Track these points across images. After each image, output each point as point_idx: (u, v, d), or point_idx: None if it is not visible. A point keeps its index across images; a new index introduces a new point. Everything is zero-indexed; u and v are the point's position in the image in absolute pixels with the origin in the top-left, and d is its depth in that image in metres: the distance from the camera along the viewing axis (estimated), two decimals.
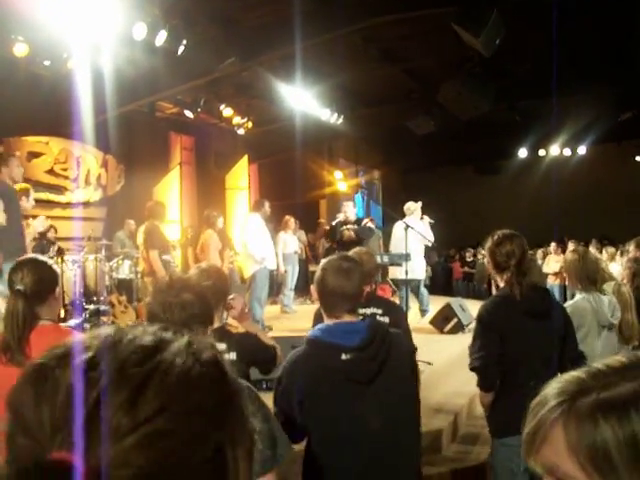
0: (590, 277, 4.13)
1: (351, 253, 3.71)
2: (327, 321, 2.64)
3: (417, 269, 9.17)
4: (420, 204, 9.62)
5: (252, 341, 3.09)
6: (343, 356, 2.47)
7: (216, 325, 2.89)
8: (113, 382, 0.60)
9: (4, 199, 6.03)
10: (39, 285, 2.67)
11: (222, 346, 2.86)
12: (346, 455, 2.49)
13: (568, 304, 4.24)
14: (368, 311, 3.71)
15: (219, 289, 2.93)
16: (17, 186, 6.69)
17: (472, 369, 3.23)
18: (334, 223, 9.59)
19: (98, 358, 0.62)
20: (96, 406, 0.58)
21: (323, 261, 2.73)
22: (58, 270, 3.13)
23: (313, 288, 2.79)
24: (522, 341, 3.18)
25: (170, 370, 0.63)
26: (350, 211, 9.67)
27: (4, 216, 5.82)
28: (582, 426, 0.77)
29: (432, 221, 9.65)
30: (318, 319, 3.70)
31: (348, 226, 9.40)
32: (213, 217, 9.24)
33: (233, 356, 2.86)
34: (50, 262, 2.97)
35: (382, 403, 2.51)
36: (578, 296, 4.14)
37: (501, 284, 3.35)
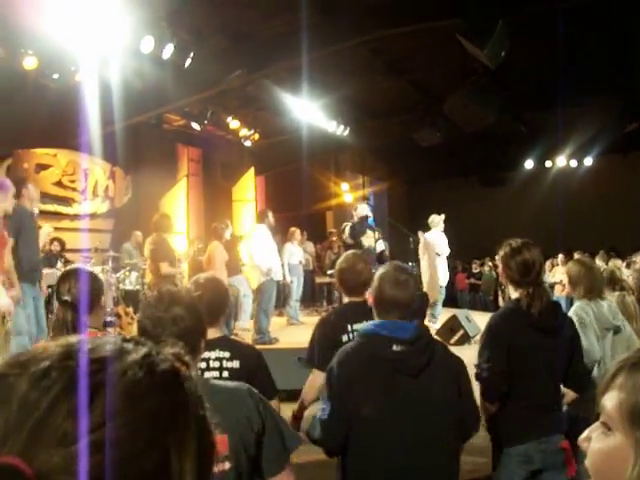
0: (594, 287, 4.13)
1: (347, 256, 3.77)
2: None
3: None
4: (443, 217, 10.26)
5: (258, 357, 3.09)
6: (394, 347, 2.60)
7: (218, 335, 2.93)
8: (64, 390, 0.61)
9: (22, 223, 6.10)
10: (85, 295, 2.77)
11: (226, 354, 2.88)
12: (386, 443, 2.57)
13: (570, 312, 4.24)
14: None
15: (214, 300, 2.93)
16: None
17: (477, 379, 3.22)
18: (352, 223, 9.49)
19: (54, 367, 0.63)
20: (47, 413, 0.59)
21: (380, 270, 2.84)
22: (103, 280, 3.22)
23: (369, 293, 2.90)
24: (530, 355, 3.16)
25: (121, 381, 0.64)
26: (364, 210, 9.59)
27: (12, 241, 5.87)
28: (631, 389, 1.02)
29: None
30: (321, 326, 3.78)
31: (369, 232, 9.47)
32: (220, 229, 9.26)
33: (236, 364, 2.89)
34: (95, 272, 3.10)
35: (425, 399, 2.61)
36: (577, 304, 4.14)
37: (514, 295, 3.30)
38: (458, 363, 2.81)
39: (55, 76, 8.84)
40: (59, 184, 11.75)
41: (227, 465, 1.91)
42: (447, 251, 10.31)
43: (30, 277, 6.09)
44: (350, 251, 4.07)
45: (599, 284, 4.20)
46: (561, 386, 3.32)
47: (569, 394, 3.35)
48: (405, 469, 2.57)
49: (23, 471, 0.56)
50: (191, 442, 0.67)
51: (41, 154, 11.50)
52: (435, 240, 10.10)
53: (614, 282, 4.84)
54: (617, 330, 4.16)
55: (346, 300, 3.77)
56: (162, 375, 0.68)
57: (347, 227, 9.24)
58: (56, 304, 2.83)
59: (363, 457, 2.62)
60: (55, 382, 0.61)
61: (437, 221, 10.23)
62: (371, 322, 2.77)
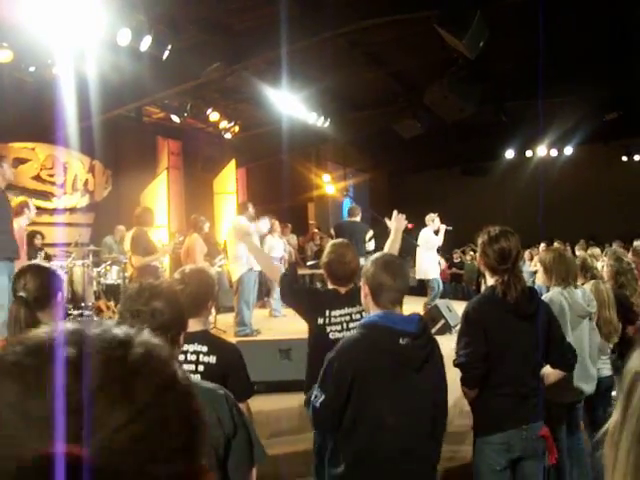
0: (566, 274, 4.16)
1: (335, 246, 3.77)
2: (376, 311, 2.78)
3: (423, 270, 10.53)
4: (436, 214, 10.65)
5: (235, 355, 3.02)
6: (401, 340, 2.62)
7: (199, 328, 2.91)
8: (102, 377, 0.61)
9: None
10: (41, 291, 2.73)
11: (203, 348, 2.86)
12: (386, 435, 2.62)
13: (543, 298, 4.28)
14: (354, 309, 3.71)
15: (198, 292, 2.92)
16: (15, 200, 6.71)
17: (456, 365, 3.24)
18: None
19: (80, 353, 0.63)
20: (86, 401, 0.59)
21: (374, 256, 2.89)
22: (62, 276, 3.16)
23: (362, 282, 2.86)
24: (506, 341, 3.18)
25: (151, 363, 0.66)
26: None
27: None
28: None
29: (450, 228, 10.72)
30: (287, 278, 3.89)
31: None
32: (200, 222, 9.23)
33: (213, 359, 2.86)
34: (53, 269, 3.03)
35: (424, 391, 2.68)
36: (551, 291, 4.17)
37: (490, 282, 3.33)
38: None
39: (31, 69, 8.76)
40: (38, 178, 11.64)
41: None
42: (438, 244, 10.68)
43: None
44: (337, 240, 4.06)
45: (572, 272, 4.23)
46: (540, 372, 3.34)
47: (548, 378, 3.37)
48: (399, 457, 2.62)
49: (83, 459, 0.57)
50: (204, 423, 0.71)
51: (19, 148, 11.39)
52: (429, 236, 10.44)
53: (585, 270, 4.90)
54: (591, 317, 4.20)
55: (331, 287, 3.77)
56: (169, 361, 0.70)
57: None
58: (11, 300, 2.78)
59: (362, 444, 2.65)
60: (89, 369, 0.61)
61: (434, 219, 10.57)
62: (376, 313, 2.77)
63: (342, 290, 3.70)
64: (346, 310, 3.63)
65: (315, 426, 2.99)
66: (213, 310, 9.77)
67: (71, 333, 0.66)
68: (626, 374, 0.95)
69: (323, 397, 2.67)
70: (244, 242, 4.03)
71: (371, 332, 2.69)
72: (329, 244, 3.90)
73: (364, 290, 2.84)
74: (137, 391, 0.62)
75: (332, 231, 9.76)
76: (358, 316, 3.62)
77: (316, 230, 15.94)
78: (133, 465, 0.59)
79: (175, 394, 0.66)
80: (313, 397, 2.75)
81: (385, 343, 2.65)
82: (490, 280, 3.33)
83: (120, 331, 0.69)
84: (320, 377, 2.74)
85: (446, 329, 8.93)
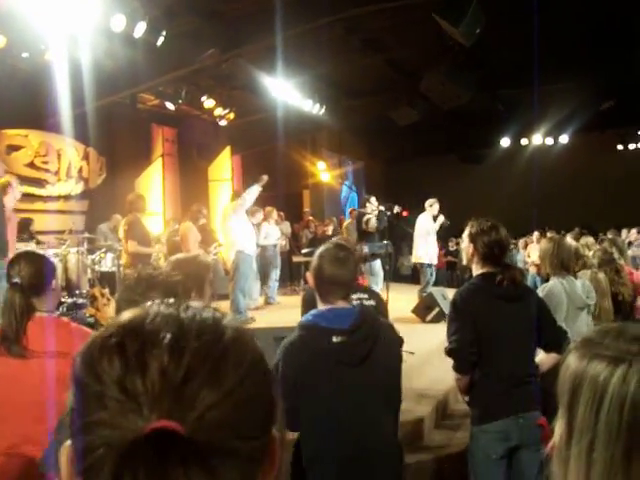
0: (564, 263, 4.18)
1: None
2: (321, 307, 2.75)
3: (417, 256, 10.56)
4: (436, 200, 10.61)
5: None
6: (334, 339, 2.58)
7: None
8: (196, 359, 0.66)
9: None
10: (36, 278, 2.75)
11: None
12: (334, 437, 2.59)
13: (541, 288, 4.29)
14: (354, 297, 3.72)
15: (192, 279, 2.90)
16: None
17: (447, 352, 3.25)
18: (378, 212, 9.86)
19: (176, 336, 0.68)
20: (181, 380, 0.64)
21: (320, 249, 2.82)
22: (56, 263, 3.17)
23: (309, 274, 2.83)
24: (497, 325, 3.19)
25: (240, 346, 0.71)
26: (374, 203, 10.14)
27: None
28: None
29: (447, 222, 10.67)
30: (308, 304, 3.73)
31: (370, 217, 9.90)
32: (197, 212, 9.29)
33: None
34: (47, 255, 3.06)
35: (369, 386, 2.62)
36: (551, 281, 4.18)
37: (476, 272, 3.35)
38: (399, 342, 2.92)
39: (24, 55, 8.69)
40: (31, 165, 11.57)
41: None
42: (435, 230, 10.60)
43: None
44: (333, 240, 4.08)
45: (568, 261, 4.25)
46: (536, 359, 3.34)
47: (543, 366, 3.38)
48: (353, 456, 2.60)
49: (179, 432, 0.61)
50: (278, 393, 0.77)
51: (12, 135, 11.30)
52: (425, 221, 10.42)
53: (577, 258, 4.92)
54: (589, 309, 4.21)
55: None
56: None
57: (372, 218, 9.70)
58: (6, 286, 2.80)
59: (314, 446, 2.64)
60: (185, 350, 0.66)
61: (432, 204, 10.53)
62: (311, 312, 2.75)
63: None
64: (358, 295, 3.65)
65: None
66: None
67: (166, 316, 0.71)
68: (563, 378, 0.90)
69: (282, 402, 2.65)
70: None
71: (305, 333, 2.67)
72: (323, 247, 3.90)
73: (310, 282, 2.83)
74: (227, 373, 0.67)
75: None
76: (369, 302, 3.67)
77: (311, 217, 15.91)
78: (221, 440, 0.64)
79: (259, 375, 0.71)
80: None
81: (317, 343, 2.61)
82: (479, 270, 3.34)
83: (210, 315, 0.73)
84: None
85: (441, 317, 8.93)
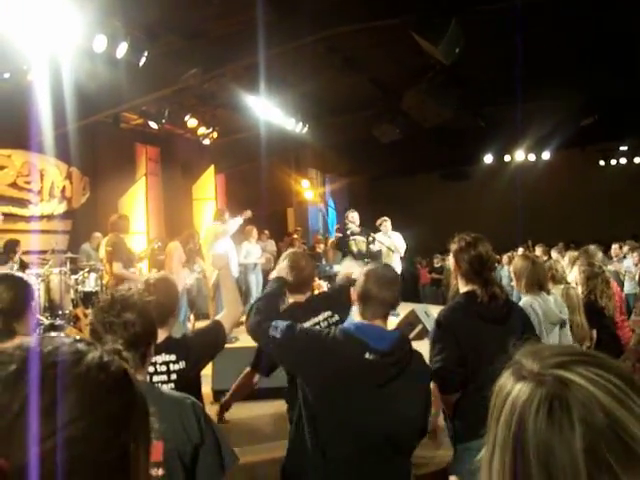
0: (540, 281, 4.19)
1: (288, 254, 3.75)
2: (359, 319, 2.79)
3: None
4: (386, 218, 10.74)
5: (199, 340, 3.11)
6: (367, 355, 2.58)
7: (165, 336, 2.91)
8: (36, 391, 0.65)
9: None
10: (16, 302, 2.73)
11: (172, 357, 2.86)
12: (345, 448, 2.60)
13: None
14: (321, 317, 3.67)
15: (164, 302, 2.92)
16: None
17: (432, 372, 3.23)
18: (341, 234, 9.93)
19: (21, 370, 0.67)
20: (19, 414, 0.63)
21: (366, 268, 2.86)
22: (34, 284, 3.17)
23: (353, 291, 2.87)
24: (480, 345, 3.16)
25: (87, 381, 0.70)
26: (356, 220, 10.27)
27: None
28: None
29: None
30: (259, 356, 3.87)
31: (356, 238, 10.05)
32: (190, 237, 9.44)
33: (183, 365, 2.89)
34: (25, 277, 3.06)
35: (386, 407, 2.62)
36: (524, 299, 4.19)
37: (463, 289, 3.34)
38: (428, 383, 2.91)
39: (6, 75, 8.66)
40: (14, 185, 11.54)
41: (160, 471, 1.91)
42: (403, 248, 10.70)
43: None
44: (291, 250, 4.06)
45: (542, 278, 4.26)
46: None
47: None
48: (355, 473, 2.60)
49: (2, 467, 0.61)
50: (144, 434, 0.76)
51: None
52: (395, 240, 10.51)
53: (551, 274, 4.95)
54: (563, 324, 4.22)
55: (291, 300, 3.72)
56: (115, 374, 0.74)
57: (361, 242, 9.92)
58: None
59: (323, 450, 2.64)
60: (24, 385, 0.65)
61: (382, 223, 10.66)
62: (355, 321, 2.79)
63: (302, 299, 3.66)
64: (313, 320, 3.56)
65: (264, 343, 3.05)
66: (192, 317, 9.74)
67: (18, 350, 0.71)
68: (496, 397, 0.91)
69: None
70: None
71: (344, 340, 2.66)
72: (283, 255, 3.86)
73: (354, 298, 2.85)
74: (65, 406, 0.66)
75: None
76: (333, 319, 3.62)
77: (296, 236, 15.91)
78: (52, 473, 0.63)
79: (100, 412, 0.70)
80: (272, 330, 2.82)
81: (350, 354, 2.61)
82: (464, 287, 3.34)
83: (66, 349, 0.73)
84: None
85: (424, 334, 8.91)
